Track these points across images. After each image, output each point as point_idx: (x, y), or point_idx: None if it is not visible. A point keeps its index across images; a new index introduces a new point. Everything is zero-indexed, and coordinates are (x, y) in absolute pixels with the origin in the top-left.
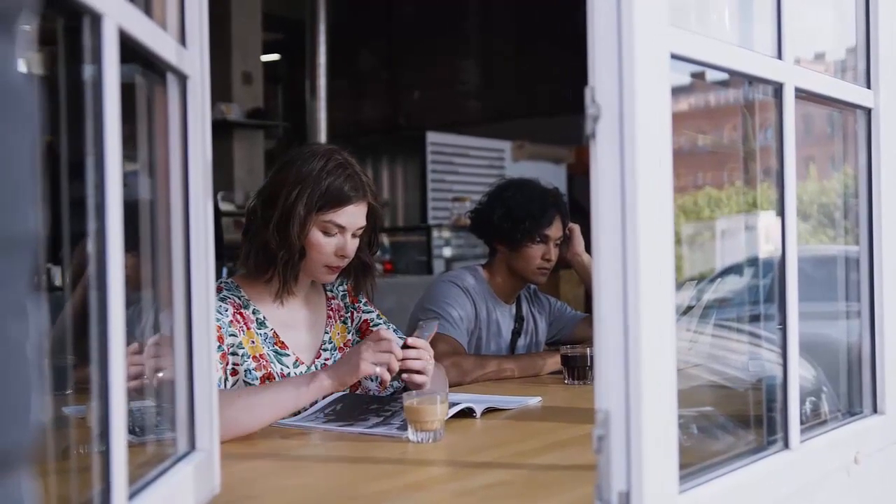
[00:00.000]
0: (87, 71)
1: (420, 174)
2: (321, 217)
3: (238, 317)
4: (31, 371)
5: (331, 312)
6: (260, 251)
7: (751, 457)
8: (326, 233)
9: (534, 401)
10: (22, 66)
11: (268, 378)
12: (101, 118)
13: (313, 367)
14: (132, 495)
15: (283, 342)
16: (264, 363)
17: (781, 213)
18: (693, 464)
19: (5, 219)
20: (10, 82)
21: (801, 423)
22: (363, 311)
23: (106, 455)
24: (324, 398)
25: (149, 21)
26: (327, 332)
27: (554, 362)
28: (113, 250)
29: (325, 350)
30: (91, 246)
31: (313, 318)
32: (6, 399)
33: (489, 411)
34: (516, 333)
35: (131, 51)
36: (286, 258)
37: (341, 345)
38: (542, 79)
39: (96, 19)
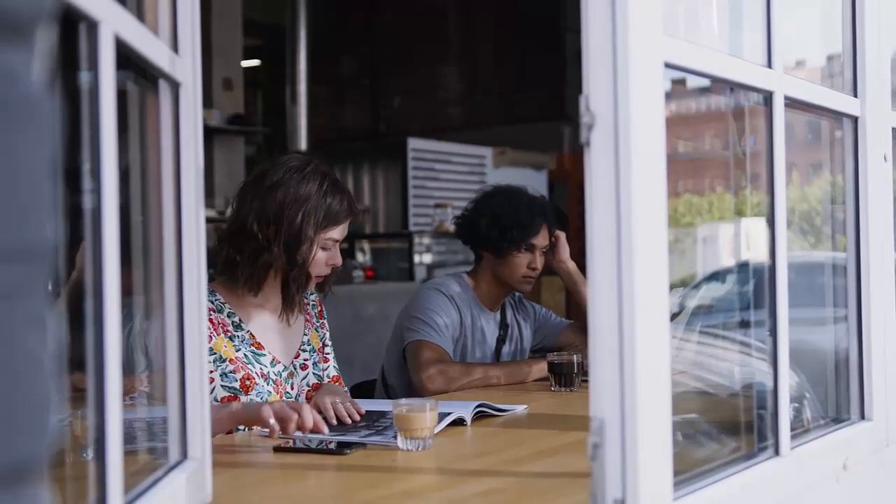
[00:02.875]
0: (83, 77)
1: (401, 180)
2: (323, 235)
3: (208, 323)
4: (48, 382)
5: (308, 316)
6: (262, 270)
7: (742, 463)
8: (324, 248)
9: (520, 409)
10: (39, 76)
11: (247, 379)
12: (98, 124)
13: (291, 367)
14: None
15: (259, 343)
16: (241, 364)
17: (771, 220)
18: (686, 471)
19: (23, 228)
20: (28, 92)
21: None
22: (326, 329)
23: (101, 464)
24: None
25: (143, 28)
26: (306, 334)
27: (540, 369)
28: (109, 256)
29: (304, 350)
30: (87, 252)
31: (290, 325)
32: (26, 411)
33: (479, 417)
34: (501, 341)
35: (124, 57)
36: (299, 279)
37: (318, 348)
38: (524, 85)
39: (93, 26)
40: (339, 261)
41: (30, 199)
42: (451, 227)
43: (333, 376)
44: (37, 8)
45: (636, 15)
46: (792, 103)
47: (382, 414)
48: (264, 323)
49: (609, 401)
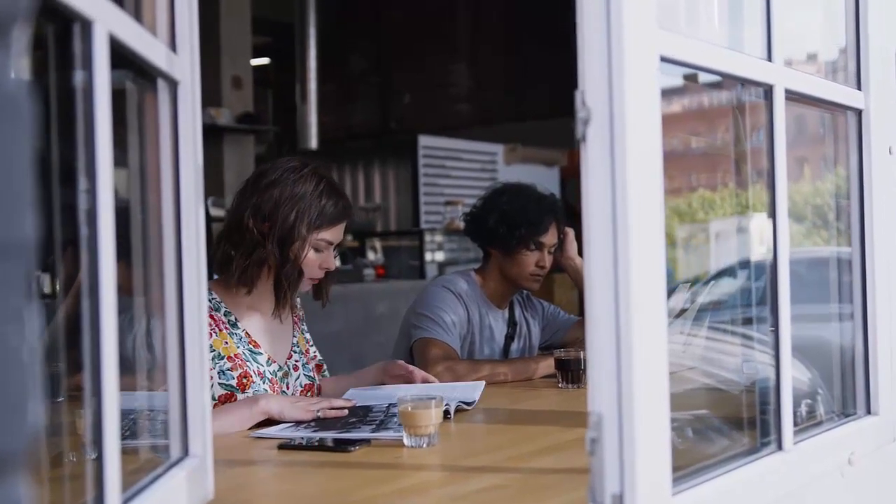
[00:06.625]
0: (78, 77)
1: (412, 178)
2: (316, 236)
3: (209, 319)
4: (28, 377)
5: (296, 319)
6: (256, 266)
7: (744, 458)
8: (317, 250)
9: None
10: (17, 73)
11: (244, 377)
12: (92, 124)
13: (286, 367)
14: (125, 501)
15: (255, 342)
16: (240, 362)
17: (773, 214)
18: (687, 466)
19: (2, 224)
20: (6, 89)
21: (796, 425)
22: (307, 332)
23: (99, 461)
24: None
25: (139, 27)
26: (295, 336)
27: (547, 366)
28: (105, 256)
29: (294, 352)
30: (83, 253)
31: (282, 322)
32: (3, 404)
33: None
34: (510, 338)
35: (121, 56)
36: (290, 276)
37: (304, 350)
38: (534, 81)
39: (87, 25)
40: (331, 265)
41: (9, 196)
42: (461, 225)
43: (317, 365)
44: (12, 7)
45: (630, 8)
46: (794, 97)
47: (368, 410)
48: (258, 323)
49: (607, 395)
